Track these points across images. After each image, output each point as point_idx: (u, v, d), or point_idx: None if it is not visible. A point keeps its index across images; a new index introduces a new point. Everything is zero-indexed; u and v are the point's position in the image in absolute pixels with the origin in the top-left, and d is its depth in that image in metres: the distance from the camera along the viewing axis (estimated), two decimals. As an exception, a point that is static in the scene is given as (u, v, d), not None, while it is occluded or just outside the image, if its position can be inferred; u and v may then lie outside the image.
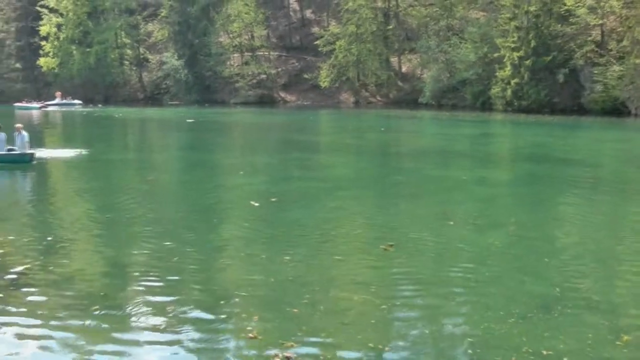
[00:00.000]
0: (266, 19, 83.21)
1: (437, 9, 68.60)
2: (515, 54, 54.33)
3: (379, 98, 72.63)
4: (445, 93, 63.91)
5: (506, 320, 8.64)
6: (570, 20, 53.96)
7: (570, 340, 8.04)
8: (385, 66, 72.46)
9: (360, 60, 72.21)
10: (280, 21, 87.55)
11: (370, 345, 7.87)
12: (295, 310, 9.09)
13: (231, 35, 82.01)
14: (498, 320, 8.63)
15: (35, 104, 77.34)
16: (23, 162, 25.16)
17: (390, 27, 73.26)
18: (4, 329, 8.78)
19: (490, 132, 42.71)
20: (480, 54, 60.01)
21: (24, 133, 25.98)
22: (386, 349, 7.80)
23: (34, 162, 25.46)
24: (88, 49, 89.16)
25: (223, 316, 9.02)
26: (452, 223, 14.43)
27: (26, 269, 11.41)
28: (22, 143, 25.71)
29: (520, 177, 22.72)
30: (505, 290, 9.95)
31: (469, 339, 8.08)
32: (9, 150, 25.82)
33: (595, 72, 51.29)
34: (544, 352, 7.65)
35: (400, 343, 8.03)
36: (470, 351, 7.79)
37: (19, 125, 26.74)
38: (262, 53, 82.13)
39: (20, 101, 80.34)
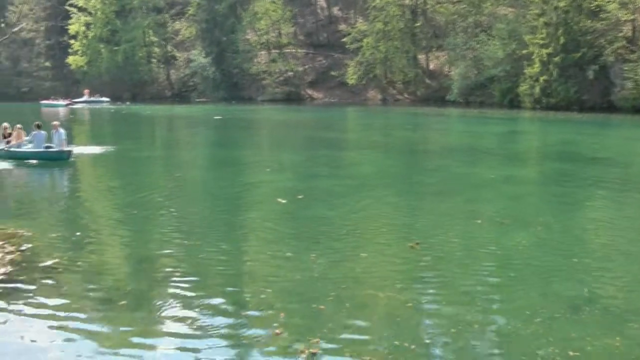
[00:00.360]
0: (293, 16, 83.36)
1: (465, 5, 68.11)
2: (544, 51, 53.85)
3: (406, 95, 72.41)
4: (472, 90, 63.49)
5: (533, 320, 8.56)
6: (601, 15, 53.28)
7: (597, 342, 7.94)
8: (413, 63, 72.17)
9: (388, 57, 72.07)
10: (307, 18, 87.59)
11: (396, 343, 7.85)
12: (322, 306, 9.10)
13: (258, 33, 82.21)
14: (525, 321, 8.55)
15: (61, 102, 78.10)
16: (61, 159, 25.27)
17: (418, 24, 72.87)
18: (32, 320, 8.87)
19: (518, 130, 42.40)
20: (508, 51, 59.53)
21: (61, 130, 26.08)
22: (412, 346, 7.77)
23: (72, 159, 25.59)
24: (116, 47, 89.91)
25: (249, 312, 9.04)
26: (479, 221, 14.33)
27: (55, 263, 11.52)
28: (59, 140, 25.77)
29: (548, 175, 22.53)
30: (532, 291, 9.86)
31: (494, 339, 8.04)
32: (47, 147, 25.85)
33: (626, 68, 50.65)
34: (571, 354, 7.57)
35: (426, 341, 7.98)
36: (496, 351, 7.76)
37: (55, 122, 26.75)
38: (289, 50, 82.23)
39: (46, 99, 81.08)
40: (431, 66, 73.09)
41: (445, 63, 71.00)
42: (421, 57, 73.72)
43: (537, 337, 8.06)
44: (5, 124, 27.94)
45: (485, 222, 14.30)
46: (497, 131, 39.01)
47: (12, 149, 26.41)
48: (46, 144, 26.04)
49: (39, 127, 26.42)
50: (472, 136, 36.31)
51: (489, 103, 60.24)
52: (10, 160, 25.71)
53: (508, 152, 29.25)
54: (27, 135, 26.90)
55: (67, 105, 76.40)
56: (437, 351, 7.77)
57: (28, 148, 26.34)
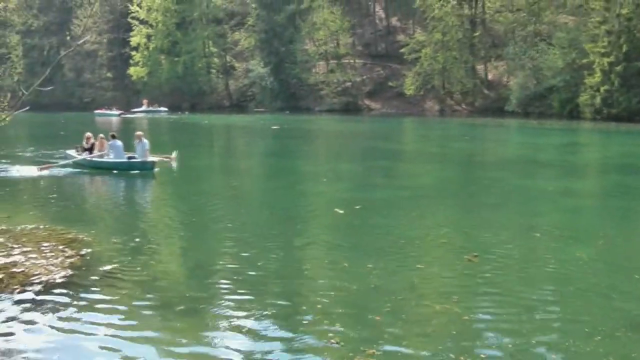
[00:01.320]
0: (352, 26, 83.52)
1: (525, 14, 67.44)
2: (606, 60, 52.82)
3: (464, 106, 71.89)
4: (531, 101, 62.58)
5: (592, 337, 8.44)
6: (665, 23, 52.13)
7: (659, 361, 7.83)
8: (471, 74, 71.71)
9: (446, 68, 71.67)
10: (365, 29, 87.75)
11: (452, 356, 7.84)
12: (377, 317, 9.12)
13: (317, 43, 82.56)
14: (583, 337, 8.44)
15: (114, 111, 79.97)
16: (144, 169, 24.99)
17: (477, 34, 72.42)
18: (89, 324, 9.10)
19: (578, 142, 41.74)
20: (568, 60, 58.58)
21: (145, 141, 25.80)
22: (467, 361, 7.78)
23: (156, 169, 25.14)
24: (176, 58, 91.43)
25: (305, 321, 9.11)
26: (538, 235, 14.21)
27: (114, 268, 11.83)
28: (142, 151, 25.48)
29: (609, 188, 22.17)
30: (592, 307, 9.74)
31: (552, 355, 7.96)
32: (129, 158, 25.80)
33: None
34: (631, 372, 7.49)
35: (482, 355, 7.95)
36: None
37: (139, 132, 26.69)
38: (347, 61, 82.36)
39: (100, 108, 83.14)
40: (489, 76, 72.49)
41: (503, 73, 70.31)
42: (479, 67, 73.20)
43: (596, 355, 7.94)
44: (88, 134, 28.29)
45: (544, 236, 14.15)
46: (556, 143, 38.49)
47: (94, 159, 26.56)
48: (129, 154, 26.08)
49: (113, 137, 26.55)
50: (530, 148, 35.90)
51: (548, 114, 59.37)
52: (92, 170, 26.04)
53: (567, 164, 28.86)
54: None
55: (120, 115, 78.19)
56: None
57: (110, 158, 26.34)
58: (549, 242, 13.70)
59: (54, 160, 28.54)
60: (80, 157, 27.14)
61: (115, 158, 26.02)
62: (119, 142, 26.25)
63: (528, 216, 16.62)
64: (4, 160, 28.47)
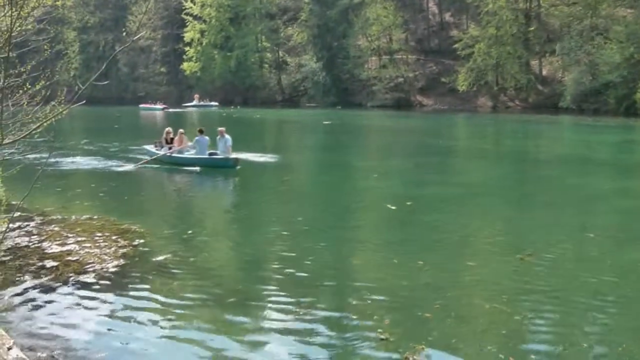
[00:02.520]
0: (405, 22, 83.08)
1: (581, 7, 65.73)
2: (666, 55, 51.57)
3: (517, 102, 70.97)
4: (587, 97, 61.24)
5: (647, 343, 8.28)
6: None
7: None
8: (525, 69, 70.70)
9: (500, 63, 70.78)
10: (418, 24, 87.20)
11: (501, 356, 7.75)
12: (427, 314, 9.08)
13: (369, 39, 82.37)
14: (637, 343, 8.27)
15: (158, 106, 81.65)
16: (226, 167, 24.29)
17: (532, 28, 71.34)
18: (141, 313, 9.28)
19: (635, 140, 40.79)
20: (626, 55, 57.02)
21: (227, 137, 25.00)
22: (517, 361, 7.68)
23: (238, 167, 24.43)
24: (229, 53, 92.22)
25: (355, 316, 9.11)
26: (592, 235, 13.96)
27: (166, 258, 12.06)
28: (224, 147, 24.78)
29: (668, 188, 21.67)
30: (648, 310, 9.54)
31: (605, 358, 7.82)
32: (211, 154, 25.15)
33: None
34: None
35: (532, 357, 7.85)
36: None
37: (221, 128, 25.65)
38: (400, 56, 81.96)
39: (145, 103, 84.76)
40: (544, 72, 71.41)
41: (558, 68, 69.16)
42: (534, 62, 72.19)
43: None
44: (169, 129, 27.87)
45: (599, 237, 13.85)
46: (612, 140, 37.75)
47: (174, 155, 26.18)
48: (210, 151, 25.42)
49: (201, 132, 25.79)
50: (585, 145, 35.28)
51: (604, 110, 58.10)
52: (172, 166, 25.62)
53: (623, 163, 28.25)
54: (190, 141, 26.61)
55: (163, 109, 79.74)
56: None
57: (191, 154, 25.90)
58: (604, 244, 13.40)
59: (111, 153, 29.00)
60: (160, 153, 26.67)
61: (198, 154, 25.48)
62: (205, 138, 25.57)
63: (582, 216, 16.36)
64: (62, 152, 28.99)
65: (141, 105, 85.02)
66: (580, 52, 62.10)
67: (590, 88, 60.76)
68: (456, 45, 74.27)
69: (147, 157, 26.85)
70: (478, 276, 11.08)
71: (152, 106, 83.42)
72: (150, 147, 27.91)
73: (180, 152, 26.28)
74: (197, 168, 24.72)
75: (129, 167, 25.80)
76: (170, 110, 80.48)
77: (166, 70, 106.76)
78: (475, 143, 39.01)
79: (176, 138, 26.87)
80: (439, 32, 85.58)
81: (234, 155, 24.58)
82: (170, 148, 26.68)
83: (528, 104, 69.15)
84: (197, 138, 25.71)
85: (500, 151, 33.66)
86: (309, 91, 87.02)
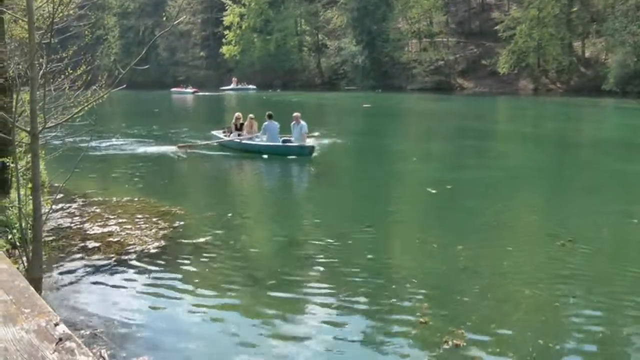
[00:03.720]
0: (445, 4, 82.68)
1: (626, -14, 64.81)
2: None
3: (559, 85, 70.13)
4: (631, 79, 60.17)
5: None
6: None
7: None
8: (568, 51, 69.84)
9: (541, 45, 69.99)
10: (459, 6, 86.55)
11: (540, 342, 7.68)
12: (466, 299, 9.04)
13: (410, 21, 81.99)
14: (683, 329, 8.14)
15: (189, 90, 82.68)
16: (302, 155, 22.61)
17: (575, 9, 70.31)
18: (181, 294, 9.37)
19: (681, 123, 40.13)
20: (673, 35, 56.07)
21: (302, 123, 23.31)
22: (556, 347, 7.58)
23: (314, 155, 22.91)
24: (268, 37, 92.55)
25: (393, 300, 9.09)
26: (635, 221, 13.75)
27: (207, 240, 12.14)
28: (299, 134, 23.20)
29: None
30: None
31: (646, 347, 7.71)
32: (285, 141, 23.70)
33: None
34: None
35: (572, 343, 7.76)
36: (645, 360, 7.42)
37: (296, 114, 23.78)
38: (440, 39, 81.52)
39: (177, 86, 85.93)
40: (587, 53, 70.44)
41: (602, 50, 68.11)
42: (577, 44, 71.26)
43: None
44: (238, 114, 26.30)
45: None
46: (657, 124, 37.19)
47: (243, 141, 24.69)
48: (284, 137, 23.97)
49: (270, 117, 24.15)
50: (628, 129, 34.75)
51: (648, 93, 57.20)
52: (241, 153, 24.52)
53: (669, 147, 27.80)
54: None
55: (193, 93, 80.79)
56: (582, 355, 7.53)
57: (261, 140, 24.25)
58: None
59: (151, 137, 29.22)
60: (226, 139, 25.65)
61: (269, 141, 23.81)
62: (275, 123, 23.92)
63: (625, 202, 16.07)
64: (102, 135, 29.30)
65: (173, 89, 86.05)
66: (624, 32, 60.93)
67: (635, 70, 59.71)
68: (497, 27, 73.65)
69: (204, 141, 26.55)
70: (517, 261, 11.00)
71: (183, 90, 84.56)
72: (218, 133, 26.89)
73: (250, 138, 24.83)
74: (265, 155, 23.24)
75: (173, 149, 25.55)
76: (200, 93, 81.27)
77: (205, 55, 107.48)
78: (516, 126, 38.67)
79: (246, 123, 25.53)
80: (479, 14, 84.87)
81: (309, 143, 23.18)
82: (239, 135, 25.28)
83: (570, 87, 68.29)
84: (265, 124, 24.09)
85: (541, 135, 33.31)
86: (349, 74, 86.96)
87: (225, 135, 26.13)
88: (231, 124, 26.44)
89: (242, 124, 25.62)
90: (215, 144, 26.00)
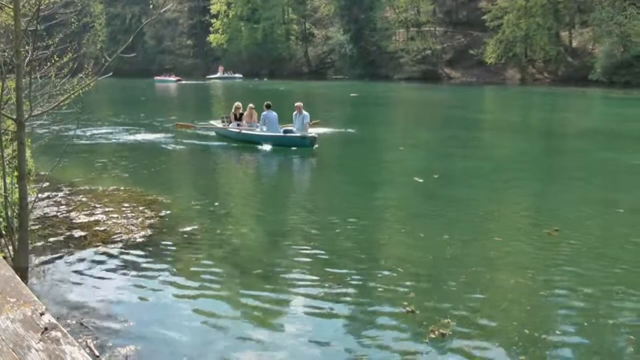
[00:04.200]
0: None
1: (613, -24, 64.96)
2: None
3: (546, 75, 70.37)
4: (617, 69, 60.42)
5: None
6: None
7: None
8: (555, 41, 70.10)
9: (529, 35, 70.25)
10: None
11: (526, 331, 7.71)
12: (452, 288, 9.06)
13: (397, 11, 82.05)
14: (665, 320, 8.17)
15: (172, 78, 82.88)
16: (303, 146, 21.93)
17: (562, -1, 70.56)
18: (168, 284, 9.35)
19: (667, 113, 40.30)
20: (659, 25, 56.30)
21: (305, 113, 22.57)
22: (542, 336, 7.60)
23: (316, 146, 22.20)
24: (256, 25, 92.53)
25: (380, 289, 9.11)
26: (621, 211, 13.82)
27: (193, 229, 12.11)
28: (301, 124, 22.47)
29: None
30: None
31: (630, 336, 7.74)
32: (286, 131, 22.90)
33: None
34: None
35: (557, 332, 7.79)
36: (630, 349, 7.44)
37: (298, 104, 22.94)
38: (427, 28, 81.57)
39: (159, 75, 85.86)
40: (574, 43, 70.68)
41: (589, 40, 68.34)
42: (564, 34, 71.50)
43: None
44: (238, 103, 25.35)
45: (628, 212, 13.66)
46: (643, 114, 37.33)
47: (242, 131, 23.94)
48: (285, 127, 23.21)
49: (268, 107, 23.37)
50: (615, 119, 34.90)
51: (635, 83, 57.23)
52: (239, 143, 23.86)
53: (654, 136, 27.93)
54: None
55: (176, 81, 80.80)
56: (568, 344, 7.55)
57: (261, 131, 23.48)
58: (633, 219, 13.22)
59: (138, 125, 29.07)
60: (225, 128, 25.16)
61: (269, 131, 23.12)
62: (273, 113, 23.21)
63: (611, 191, 16.18)
64: (89, 124, 29.17)
65: (156, 78, 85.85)
66: (611, 22, 61.11)
67: (622, 60, 60.02)
68: (485, 17, 73.80)
69: (203, 124, 26.82)
70: (504, 251, 11.02)
71: (166, 78, 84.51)
72: (217, 123, 26.25)
73: (250, 128, 24.11)
74: (267, 147, 22.54)
75: (159, 136, 25.80)
76: (184, 82, 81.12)
77: (192, 43, 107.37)
78: (503, 116, 38.78)
79: (245, 113, 24.77)
80: (467, 3, 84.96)
81: (311, 134, 22.35)
82: (238, 124, 24.52)
83: (557, 77, 68.56)
84: (264, 114, 23.38)
85: (528, 124, 33.45)
86: (336, 63, 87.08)
87: (224, 125, 25.49)
88: (230, 113, 25.59)
89: (241, 114, 24.87)
90: (213, 132, 25.70)
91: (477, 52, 75.23)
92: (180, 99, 61.36)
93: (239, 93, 58.89)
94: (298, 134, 22.27)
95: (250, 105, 24.91)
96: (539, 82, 68.48)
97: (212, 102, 53.78)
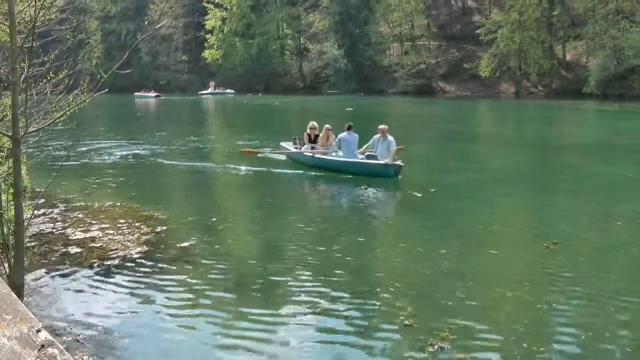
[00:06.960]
0: (427, 8, 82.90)
1: (606, -11, 65.20)
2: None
3: (540, 88, 70.58)
4: (611, 82, 60.62)
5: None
6: None
7: None
8: (549, 54, 70.40)
9: (523, 48, 70.52)
10: (441, 10, 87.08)
11: (524, 345, 7.67)
12: (450, 302, 9.02)
13: (391, 25, 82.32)
14: (664, 332, 8.14)
15: (151, 94, 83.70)
16: (386, 176, 18.62)
17: (555, 12, 70.85)
18: (164, 299, 9.30)
19: (661, 125, 40.39)
20: (653, 39, 56.47)
21: (390, 138, 19.84)
22: (541, 349, 7.57)
23: (400, 177, 18.71)
24: (250, 41, 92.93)
25: (378, 303, 9.09)
26: (619, 223, 13.82)
27: (189, 245, 12.07)
28: (386, 151, 19.64)
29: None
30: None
31: (629, 349, 7.70)
32: (368, 157, 19.98)
33: None
34: None
35: (555, 346, 7.78)
36: (629, 362, 7.42)
37: (383, 126, 20.37)
38: (422, 43, 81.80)
39: (139, 90, 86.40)
40: (568, 57, 70.91)
41: (583, 53, 68.59)
42: (558, 47, 71.78)
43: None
44: (313, 123, 22.60)
45: (626, 225, 13.68)
46: (637, 127, 37.41)
47: (316, 155, 20.99)
48: (368, 153, 20.41)
49: (349, 128, 20.57)
50: (610, 132, 34.98)
51: (629, 96, 57.40)
52: (316, 171, 20.68)
53: (649, 149, 27.96)
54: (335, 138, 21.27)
55: (156, 97, 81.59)
56: (567, 357, 7.54)
57: (336, 155, 20.81)
58: (632, 232, 13.24)
59: (134, 141, 28.98)
60: (296, 151, 22.37)
61: (346, 157, 20.26)
62: (354, 136, 20.50)
63: (608, 204, 16.18)
64: (85, 140, 29.15)
65: (136, 94, 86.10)
66: (605, 36, 61.34)
67: (615, 73, 60.17)
68: (479, 31, 74.09)
69: (271, 150, 24.15)
70: (502, 264, 11.03)
71: (146, 94, 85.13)
72: (289, 145, 23.28)
73: (325, 153, 21.31)
74: (349, 175, 19.50)
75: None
76: (162, 97, 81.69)
77: (188, 59, 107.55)
78: (498, 129, 38.84)
79: (321, 134, 22.09)
80: (461, 17, 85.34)
81: (396, 162, 18.81)
82: (312, 147, 21.70)
83: (551, 90, 68.76)
84: (341, 135, 20.54)
85: (524, 138, 33.45)
86: (331, 78, 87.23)
87: (295, 148, 22.62)
88: (304, 134, 22.61)
89: (317, 135, 22.15)
90: (284, 157, 23.10)
91: (472, 66, 75.39)
92: (153, 113, 61.42)
93: (230, 108, 59.08)
94: (382, 162, 19.09)
95: (327, 126, 22.27)
96: (533, 96, 68.63)
97: (202, 115, 53.75)
